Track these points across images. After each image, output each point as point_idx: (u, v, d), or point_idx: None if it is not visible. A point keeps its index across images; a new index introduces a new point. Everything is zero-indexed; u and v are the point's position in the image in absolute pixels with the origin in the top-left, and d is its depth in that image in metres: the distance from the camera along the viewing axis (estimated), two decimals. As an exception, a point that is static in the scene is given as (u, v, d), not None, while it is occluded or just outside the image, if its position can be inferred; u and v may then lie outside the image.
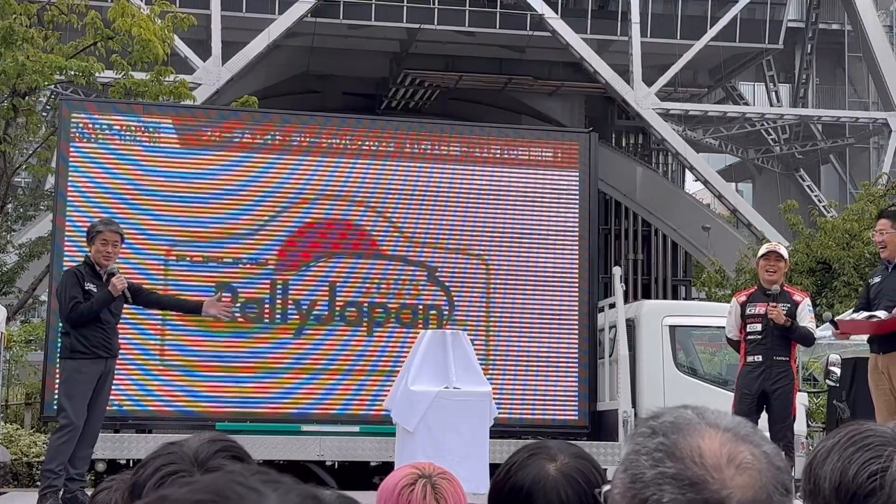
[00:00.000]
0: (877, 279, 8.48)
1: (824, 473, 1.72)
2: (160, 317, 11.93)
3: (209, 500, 1.11)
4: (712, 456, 1.44)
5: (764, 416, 8.97)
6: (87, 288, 8.48)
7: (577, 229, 12.99)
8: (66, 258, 11.31)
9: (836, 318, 9.71)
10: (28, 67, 16.03)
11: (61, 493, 8.48)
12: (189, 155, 12.29)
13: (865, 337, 9.01)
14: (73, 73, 16.45)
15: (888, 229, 8.23)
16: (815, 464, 1.74)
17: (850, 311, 9.73)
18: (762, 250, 9.34)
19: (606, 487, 1.71)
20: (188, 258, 12.13)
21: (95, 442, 8.87)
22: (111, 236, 8.62)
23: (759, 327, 9.04)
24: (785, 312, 8.97)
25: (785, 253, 9.38)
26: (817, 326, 9.61)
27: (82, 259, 8.93)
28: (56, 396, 9.55)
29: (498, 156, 13.00)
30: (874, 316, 8.08)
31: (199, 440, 2.14)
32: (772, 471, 1.46)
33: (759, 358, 9.00)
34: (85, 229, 9.08)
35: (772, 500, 1.44)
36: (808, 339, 9.33)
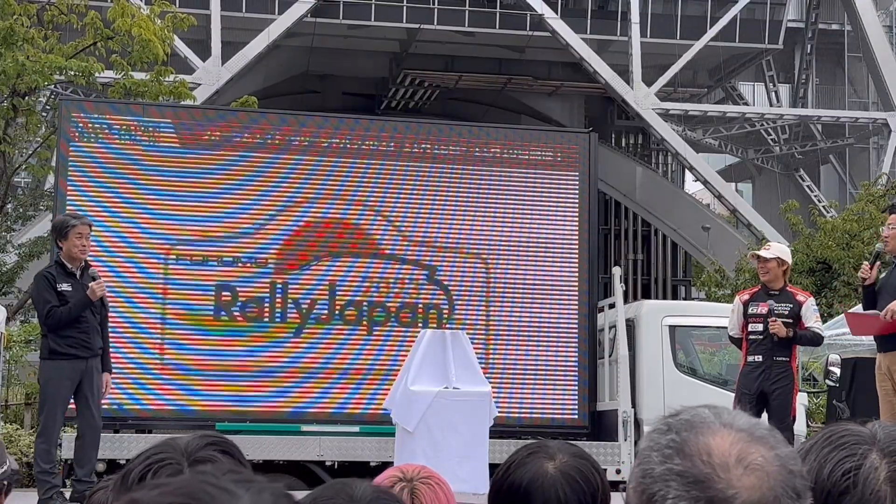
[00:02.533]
0: (884, 274, 8.51)
1: None
2: (160, 315, 11.94)
3: (181, 503, 1.09)
4: (720, 455, 1.44)
5: (764, 416, 8.96)
6: (60, 289, 8.36)
7: (576, 229, 12.98)
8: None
9: (847, 312, 9.71)
10: (28, 67, 16.02)
11: (69, 494, 8.47)
12: (188, 154, 12.28)
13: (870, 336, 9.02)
14: (72, 73, 16.44)
15: (894, 224, 8.28)
16: None
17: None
18: (759, 253, 9.37)
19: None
20: (187, 257, 12.12)
21: (99, 442, 8.85)
22: (84, 229, 8.50)
23: (760, 327, 9.03)
24: (788, 312, 8.97)
25: (772, 252, 9.29)
26: (823, 324, 9.63)
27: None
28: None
29: (498, 156, 12.99)
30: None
31: (192, 435, 2.15)
32: (783, 474, 1.45)
33: (759, 358, 9.00)
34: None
35: (779, 503, 1.43)
36: (815, 341, 9.32)
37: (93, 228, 8.88)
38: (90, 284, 8.42)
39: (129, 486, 2.03)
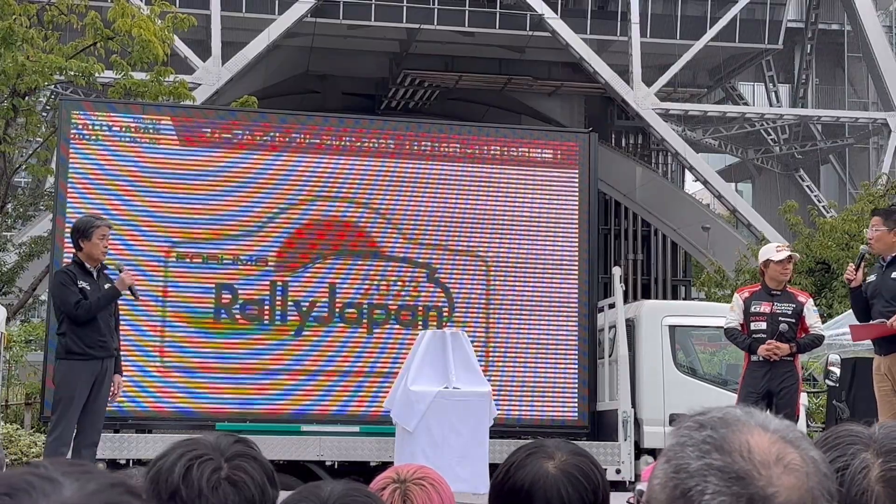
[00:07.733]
0: (872, 277, 8.49)
1: None
2: (160, 317, 11.94)
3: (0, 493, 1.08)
4: (761, 453, 1.43)
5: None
6: (80, 286, 8.44)
7: (576, 229, 12.98)
8: (65, 258, 11.30)
9: (851, 325, 9.76)
10: (28, 67, 16.02)
11: None
12: (188, 154, 12.28)
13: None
14: (72, 73, 16.44)
15: (879, 226, 8.29)
16: None
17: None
18: (778, 256, 9.21)
19: (640, 486, 1.72)
20: (187, 258, 12.12)
21: (98, 442, 8.85)
22: (106, 230, 8.64)
23: (763, 325, 9.03)
24: (791, 312, 9.00)
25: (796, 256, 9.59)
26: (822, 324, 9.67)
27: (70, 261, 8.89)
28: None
29: (497, 156, 12.99)
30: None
31: (215, 435, 2.19)
32: (819, 476, 1.45)
33: (763, 357, 8.99)
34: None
35: None
36: (817, 342, 9.33)
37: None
38: (121, 275, 8.53)
39: (164, 483, 2.04)
